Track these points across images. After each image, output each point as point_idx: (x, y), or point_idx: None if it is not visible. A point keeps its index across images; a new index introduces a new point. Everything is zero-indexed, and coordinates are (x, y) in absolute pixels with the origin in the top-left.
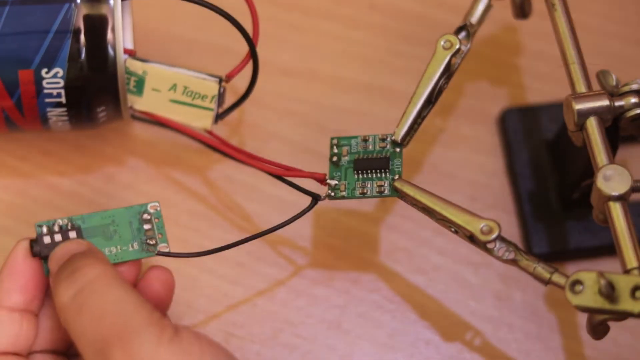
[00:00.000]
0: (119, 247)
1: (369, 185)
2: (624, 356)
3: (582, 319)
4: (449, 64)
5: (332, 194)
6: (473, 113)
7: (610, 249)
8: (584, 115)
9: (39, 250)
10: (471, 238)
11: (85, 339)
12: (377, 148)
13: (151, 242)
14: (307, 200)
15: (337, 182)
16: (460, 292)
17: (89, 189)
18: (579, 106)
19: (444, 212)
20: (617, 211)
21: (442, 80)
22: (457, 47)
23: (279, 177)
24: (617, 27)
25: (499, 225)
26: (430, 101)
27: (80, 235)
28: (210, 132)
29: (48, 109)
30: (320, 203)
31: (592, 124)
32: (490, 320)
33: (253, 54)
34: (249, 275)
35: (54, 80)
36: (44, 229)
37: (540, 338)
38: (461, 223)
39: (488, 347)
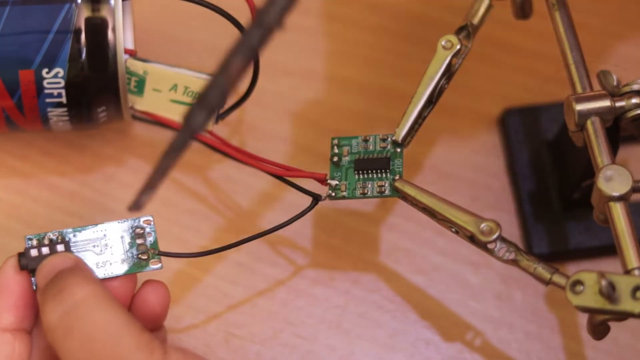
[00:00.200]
0: (109, 261)
1: (369, 186)
2: (624, 356)
3: (583, 319)
4: (449, 64)
5: (333, 194)
6: (473, 113)
7: (610, 249)
8: (585, 115)
9: (26, 263)
10: (472, 238)
11: None
12: (378, 148)
13: (143, 257)
14: (308, 200)
15: (337, 182)
16: (460, 292)
17: (89, 189)
18: (579, 107)
19: (445, 212)
20: (617, 211)
21: (442, 80)
22: (458, 47)
23: (280, 177)
24: (617, 27)
25: (499, 225)
26: (431, 101)
27: (68, 248)
28: (210, 132)
29: (49, 109)
30: (320, 203)
31: (592, 125)
32: (490, 321)
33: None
34: (249, 275)
35: (54, 80)
36: (34, 242)
37: (541, 338)
38: (461, 223)
39: (488, 347)
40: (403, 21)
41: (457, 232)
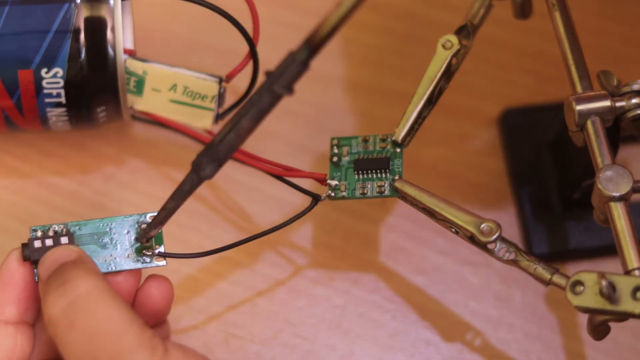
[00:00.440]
0: (113, 256)
1: (369, 186)
2: (624, 356)
3: (583, 319)
4: (449, 64)
5: (333, 194)
6: (473, 113)
7: (611, 249)
8: (585, 115)
9: (28, 254)
10: (471, 238)
11: (75, 356)
12: (378, 148)
13: (147, 253)
14: (307, 200)
15: (337, 182)
16: (460, 292)
17: (89, 189)
18: (580, 107)
19: (444, 212)
20: (618, 212)
21: (442, 80)
22: (458, 47)
23: (279, 177)
24: (617, 27)
25: (499, 225)
26: (431, 101)
27: (72, 241)
28: (210, 132)
29: (48, 109)
30: (320, 203)
31: (592, 125)
32: (490, 321)
33: (253, 54)
34: (249, 275)
35: (53, 80)
36: (38, 233)
37: (541, 338)
38: (461, 223)
39: (488, 347)
40: (403, 21)
41: (457, 232)
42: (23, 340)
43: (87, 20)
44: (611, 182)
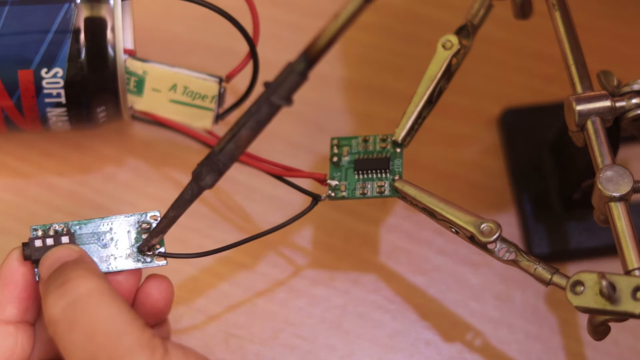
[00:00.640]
0: (114, 255)
1: (369, 186)
2: (624, 357)
3: (583, 319)
4: (449, 64)
5: (333, 194)
6: (473, 113)
7: (611, 249)
8: (585, 115)
9: (29, 254)
10: (472, 239)
11: (75, 356)
12: (378, 148)
13: (148, 253)
14: (307, 200)
15: (337, 182)
16: (460, 293)
17: (89, 189)
18: (580, 107)
19: (445, 212)
20: (618, 212)
21: (442, 80)
22: (458, 47)
23: (279, 177)
24: (617, 27)
25: (499, 225)
26: (431, 101)
27: (73, 240)
28: (210, 132)
29: (48, 109)
30: (320, 203)
31: (593, 125)
32: (490, 321)
33: (253, 54)
34: (249, 275)
35: (53, 80)
36: (39, 233)
37: (541, 338)
38: (461, 224)
39: (488, 347)
40: (403, 21)
41: (457, 232)
42: (24, 339)
43: (87, 20)
44: (611, 182)
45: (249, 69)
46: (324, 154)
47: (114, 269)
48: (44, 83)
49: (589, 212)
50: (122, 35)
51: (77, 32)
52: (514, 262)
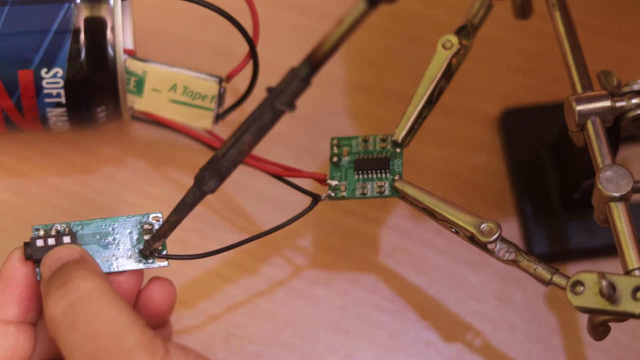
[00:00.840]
0: (115, 256)
1: (369, 186)
2: (624, 357)
3: (583, 319)
4: (449, 64)
5: (333, 194)
6: (473, 113)
7: (611, 249)
8: (585, 115)
9: (31, 253)
10: (472, 239)
11: (76, 356)
12: (378, 148)
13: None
14: (307, 200)
15: (337, 182)
16: (460, 293)
17: (89, 189)
18: (580, 107)
19: (445, 212)
20: (618, 212)
21: (442, 80)
22: (458, 47)
23: (279, 177)
24: (617, 27)
25: (499, 225)
26: (431, 101)
27: (75, 240)
28: (210, 132)
29: (48, 109)
30: (320, 203)
31: (593, 125)
32: (490, 321)
33: (253, 54)
34: (249, 275)
35: (53, 80)
36: (41, 232)
37: (541, 338)
38: (461, 224)
39: (488, 347)
40: (403, 21)
41: (457, 232)
42: (25, 339)
43: (87, 20)
44: (611, 182)
45: (249, 69)
46: (324, 154)
47: (116, 270)
48: (44, 83)
49: (589, 212)
50: (122, 35)
51: (77, 32)
52: (514, 262)
